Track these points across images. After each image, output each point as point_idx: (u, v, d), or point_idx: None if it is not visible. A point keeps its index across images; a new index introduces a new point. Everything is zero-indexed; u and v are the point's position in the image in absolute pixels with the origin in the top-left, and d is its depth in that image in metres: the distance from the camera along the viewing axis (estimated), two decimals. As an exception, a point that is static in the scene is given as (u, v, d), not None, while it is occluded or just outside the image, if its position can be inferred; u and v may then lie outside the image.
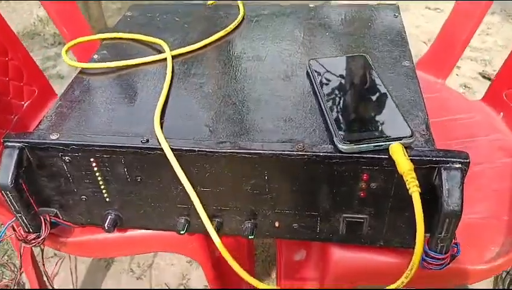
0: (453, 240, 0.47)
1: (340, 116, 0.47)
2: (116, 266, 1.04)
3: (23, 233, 0.53)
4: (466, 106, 0.77)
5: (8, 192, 0.49)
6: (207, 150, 0.46)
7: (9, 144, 0.49)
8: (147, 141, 0.47)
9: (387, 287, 0.44)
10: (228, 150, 0.46)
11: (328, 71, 0.54)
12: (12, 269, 1.05)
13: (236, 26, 0.67)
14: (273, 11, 0.72)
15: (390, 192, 0.46)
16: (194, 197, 0.48)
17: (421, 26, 1.89)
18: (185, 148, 0.47)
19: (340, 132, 0.45)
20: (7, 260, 1.07)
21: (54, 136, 0.48)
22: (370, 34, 0.64)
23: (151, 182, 0.50)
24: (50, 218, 0.55)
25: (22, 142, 0.49)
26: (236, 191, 0.50)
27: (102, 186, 0.52)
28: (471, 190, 0.63)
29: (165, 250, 0.62)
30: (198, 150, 0.46)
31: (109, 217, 0.54)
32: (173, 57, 0.61)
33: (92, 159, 0.49)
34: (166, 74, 0.58)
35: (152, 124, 0.50)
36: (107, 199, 0.53)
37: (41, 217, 0.53)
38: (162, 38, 0.64)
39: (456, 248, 0.48)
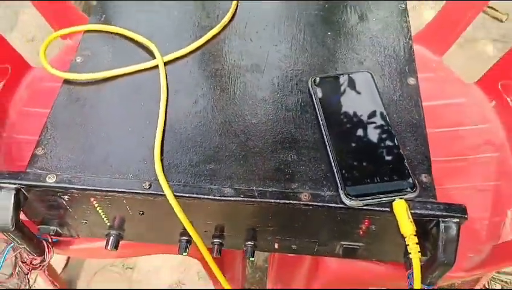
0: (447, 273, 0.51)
1: (345, 166, 0.47)
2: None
3: (28, 259, 0.54)
4: (459, 89, 0.76)
5: (10, 233, 0.48)
6: (210, 197, 0.46)
7: (4, 185, 0.47)
8: (150, 186, 0.46)
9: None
10: (232, 198, 0.46)
11: (331, 98, 0.52)
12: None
13: (230, 19, 0.61)
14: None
15: (388, 231, 0.48)
16: (195, 237, 0.49)
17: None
18: (187, 195, 0.46)
19: (345, 186, 0.45)
20: None
21: (50, 179, 0.47)
22: (373, 35, 0.60)
23: (153, 215, 0.51)
24: (52, 239, 0.55)
25: (18, 184, 0.47)
26: (238, 224, 0.51)
27: (103, 216, 0.52)
28: (456, 190, 0.67)
29: (166, 253, 0.64)
30: (202, 198, 0.46)
31: (111, 238, 0.55)
32: (165, 64, 0.56)
33: (92, 199, 0.48)
34: (159, 86, 0.54)
35: (151, 159, 0.48)
36: (108, 224, 0.53)
37: (44, 242, 0.54)
38: (150, 33, 0.59)
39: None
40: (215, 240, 0.54)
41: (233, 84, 0.55)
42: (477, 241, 0.62)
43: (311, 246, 0.54)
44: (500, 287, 0.99)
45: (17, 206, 0.47)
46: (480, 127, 0.72)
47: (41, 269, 0.55)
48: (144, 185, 0.46)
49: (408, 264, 0.47)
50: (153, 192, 0.46)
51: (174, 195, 0.46)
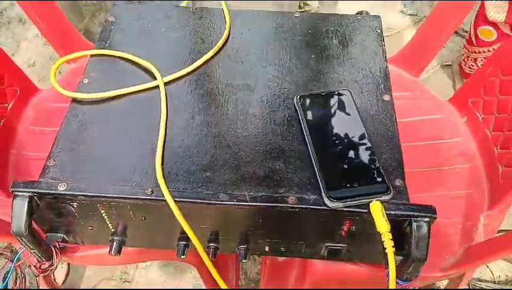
0: (421, 268, 0.56)
1: (327, 170, 0.52)
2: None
3: (37, 264, 0.58)
4: (434, 106, 0.83)
5: (22, 238, 0.53)
6: (206, 202, 0.51)
7: (19, 193, 0.52)
8: (152, 192, 0.52)
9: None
10: (226, 202, 0.51)
11: (314, 113, 0.58)
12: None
13: (224, 43, 0.68)
14: (258, 20, 0.72)
15: (367, 231, 0.53)
16: (193, 239, 0.54)
17: None
18: (185, 200, 0.51)
19: (327, 190, 0.50)
20: None
21: (61, 187, 0.52)
22: (352, 57, 0.66)
23: (154, 221, 0.55)
24: (59, 245, 0.60)
25: (31, 192, 0.52)
26: (232, 228, 0.56)
27: (108, 222, 0.56)
28: (432, 198, 0.72)
29: (167, 259, 0.69)
30: (200, 202, 0.51)
31: (114, 243, 0.59)
32: (165, 84, 0.62)
33: (98, 205, 0.53)
34: (160, 104, 0.60)
35: (153, 169, 0.53)
36: (112, 230, 0.58)
37: (52, 248, 0.58)
38: (150, 57, 0.65)
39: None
40: (210, 244, 0.58)
41: (226, 102, 0.61)
42: (452, 244, 0.67)
43: (299, 248, 0.59)
44: (482, 295, 1.04)
45: (30, 213, 0.52)
46: (454, 141, 0.79)
47: (49, 273, 0.59)
48: (146, 191, 0.52)
49: (387, 264, 0.52)
50: (155, 198, 0.51)
51: (174, 200, 0.51)
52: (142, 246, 0.62)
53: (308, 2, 1.65)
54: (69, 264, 1.05)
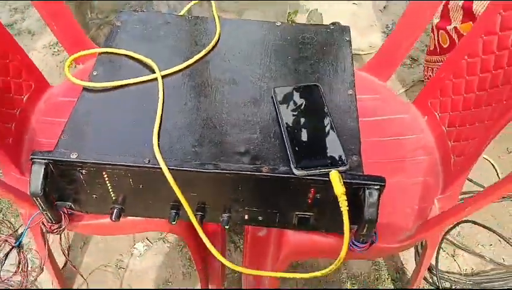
0: (373, 230, 0.66)
1: (296, 146, 0.63)
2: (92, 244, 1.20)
3: (47, 225, 0.68)
4: (400, 107, 0.94)
5: (38, 198, 0.62)
6: (195, 170, 0.61)
7: (37, 160, 0.62)
8: (149, 161, 0.62)
9: (323, 271, 0.62)
10: (211, 170, 0.61)
11: (287, 101, 0.69)
12: (9, 225, 1.19)
13: (214, 45, 0.79)
14: (245, 28, 0.83)
15: (330, 199, 0.63)
16: (184, 203, 0.64)
17: None
18: (177, 168, 0.61)
19: (295, 160, 0.61)
20: (2, 218, 1.20)
21: (73, 156, 0.62)
22: (324, 59, 0.78)
23: (150, 188, 0.65)
24: (67, 211, 0.69)
25: (47, 159, 0.62)
26: (217, 196, 0.66)
27: (110, 190, 0.66)
28: (394, 183, 0.82)
29: (159, 230, 0.78)
30: (188, 170, 0.62)
31: (115, 210, 0.69)
32: (162, 77, 0.73)
33: (104, 173, 0.63)
34: (158, 93, 0.70)
35: (151, 143, 0.64)
36: (113, 198, 0.68)
37: (61, 212, 0.68)
38: (151, 53, 0.76)
39: (374, 237, 0.67)
40: (198, 213, 0.68)
41: (214, 92, 0.72)
42: (409, 221, 0.77)
43: (273, 217, 0.69)
44: (449, 286, 1.13)
45: (46, 177, 0.62)
46: (416, 136, 0.90)
47: (58, 234, 0.68)
48: (144, 160, 0.62)
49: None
50: (151, 165, 0.61)
51: (168, 168, 0.61)
52: (138, 215, 0.72)
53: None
54: (68, 250, 1.14)
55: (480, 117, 0.75)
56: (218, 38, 0.81)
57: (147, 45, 0.79)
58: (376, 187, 0.60)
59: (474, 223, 1.23)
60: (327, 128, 0.66)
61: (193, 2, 0.87)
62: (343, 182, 0.60)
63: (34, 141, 0.84)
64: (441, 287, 1.11)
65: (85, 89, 0.72)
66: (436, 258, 1.14)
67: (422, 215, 0.78)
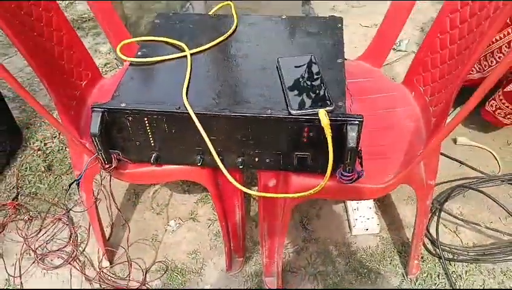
0: (360, 168, 0.81)
1: (293, 94, 0.80)
2: (141, 205, 1.39)
3: (101, 164, 0.87)
4: (391, 87, 1.10)
5: (96, 138, 0.82)
6: (215, 114, 0.80)
7: (96, 109, 0.82)
8: (179, 108, 0.80)
9: (311, 191, 0.77)
10: (228, 114, 0.79)
11: (287, 66, 0.87)
12: (62, 207, 1.39)
13: (231, 33, 0.99)
14: (257, 21, 1.04)
15: (321, 138, 0.79)
16: (208, 142, 0.82)
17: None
18: (201, 112, 0.80)
19: (291, 104, 0.78)
20: (57, 201, 1.40)
21: (123, 104, 0.81)
22: (320, 39, 0.97)
23: (180, 132, 0.84)
24: (117, 156, 0.88)
25: (104, 108, 0.81)
26: (232, 138, 0.83)
27: (150, 136, 0.85)
28: (385, 142, 0.97)
29: (187, 178, 0.96)
30: (210, 114, 0.80)
31: (153, 155, 0.87)
32: (191, 54, 0.93)
33: (145, 119, 0.82)
34: (187, 65, 0.90)
35: (181, 97, 0.82)
36: (152, 144, 0.86)
37: (112, 155, 0.87)
38: (182, 41, 0.97)
39: (361, 172, 0.82)
40: (219, 157, 0.86)
41: (231, 63, 0.91)
42: (394, 167, 0.91)
43: (278, 159, 0.85)
44: (451, 257, 1.22)
45: (102, 122, 0.81)
46: (405, 108, 1.05)
47: (109, 172, 0.87)
48: (176, 107, 0.81)
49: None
50: (181, 111, 0.80)
51: (194, 112, 0.80)
52: (171, 161, 0.90)
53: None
54: (112, 226, 1.32)
55: (450, 79, 0.90)
56: (235, 28, 1.01)
57: (179, 35, 1.00)
58: (355, 122, 0.77)
59: (469, 188, 1.33)
60: (318, 82, 0.83)
61: (220, 4, 1.09)
62: (329, 119, 0.76)
63: (88, 118, 1.05)
64: (443, 258, 1.21)
65: (131, 64, 0.93)
66: (437, 229, 1.25)
67: (407, 163, 0.92)
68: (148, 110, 0.81)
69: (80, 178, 0.87)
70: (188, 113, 0.80)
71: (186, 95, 0.83)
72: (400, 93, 1.09)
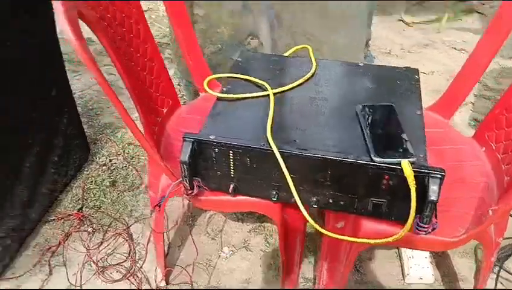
0: (435, 220, 0.83)
1: (374, 142, 0.84)
2: (197, 228, 1.43)
3: (184, 191, 0.92)
4: (461, 140, 1.11)
5: (185, 165, 0.87)
6: (297, 153, 0.84)
7: (188, 139, 0.87)
8: (263, 145, 0.85)
9: (390, 238, 0.79)
10: (309, 154, 0.83)
11: (368, 113, 0.91)
12: (123, 223, 1.45)
13: (311, 76, 1.04)
14: (334, 65, 1.09)
15: (399, 187, 0.82)
16: (289, 181, 0.85)
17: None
18: (285, 152, 0.84)
19: (374, 151, 0.81)
20: (119, 217, 1.46)
21: (211, 137, 0.87)
22: (398, 89, 1.00)
23: (261, 167, 0.88)
24: (198, 183, 0.93)
25: (194, 138, 0.87)
26: (310, 178, 0.87)
27: (231, 167, 0.89)
28: (454, 196, 0.99)
29: (258, 211, 1.00)
30: (292, 153, 0.84)
31: (231, 186, 0.92)
32: (274, 94, 0.98)
33: (230, 151, 0.87)
34: (270, 103, 0.95)
35: (264, 134, 0.87)
36: (232, 175, 0.91)
37: (194, 183, 0.92)
38: (263, 80, 1.02)
39: (436, 223, 0.84)
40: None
41: (312, 105, 0.96)
42: (465, 223, 0.92)
43: (352, 202, 0.88)
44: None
45: (191, 151, 0.87)
46: (475, 163, 1.06)
47: (190, 198, 0.92)
48: (261, 143, 0.85)
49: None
50: (265, 148, 0.85)
51: (279, 151, 0.84)
52: (248, 193, 0.94)
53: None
54: (169, 245, 1.37)
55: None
56: (315, 71, 1.06)
57: (260, 74, 1.06)
58: (438, 176, 0.79)
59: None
60: (399, 131, 0.86)
61: (297, 47, 1.15)
62: (412, 170, 0.79)
63: (167, 141, 1.12)
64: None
65: (218, 98, 0.99)
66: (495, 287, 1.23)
67: (478, 220, 0.92)
68: (235, 145, 0.86)
69: (163, 200, 0.93)
70: (272, 150, 0.84)
71: (271, 133, 0.88)
72: (470, 147, 1.10)
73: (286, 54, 1.16)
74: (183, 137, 0.88)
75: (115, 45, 0.92)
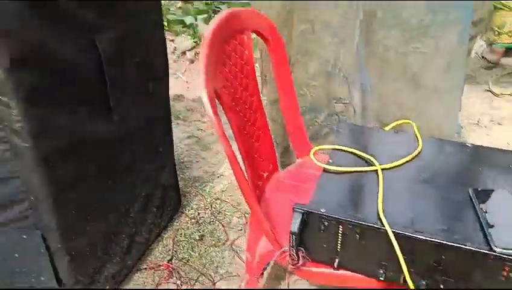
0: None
1: (494, 230, 0.81)
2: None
3: (290, 261, 0.93)
4: None
5: (294, 235, 0.89)
6: (411, 235, 0.83)
7: (298, 209, 0.90)
8: (376, 223, 0.85)
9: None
10: (424, 237, 0.82)
11: (483, 198, 0.89)
12: (210, 278, 1.48)
13: (416, 154, 1.05)
14: (440, 144, 1.09)
15: (520, 281, 0.78)
16: (402, 263, 0.84)
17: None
18: (399, 233, 0.84)
19: (494, 240, 0.79)
20: (205, 271, 1.50)
21: (322, 210, 0.89)
22: (510, 174, 0.98)
23: (370, 245, 0.88)
24: (303, 253, 0.94)
25: (305, 210, 0.90)
26: (422, 260, 0.85)
27: (338, 241, 0.90)
28: None
29: (360, 287, 0.99)
30: (406, 235, 0.83)
31: (337, 260, 0.92)
32: (382, 169, 1.00)
33: (339, 226, 0.88)
34: (376, 179, 0.97)
35: (375, 210, 0.88)
36: (338, 249, 0.91)
37: (299, 253, 0.93)
38: (367, 153, 1.04)
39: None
40: (401, 274, 0.88)
41: (421, 185, 0.96)
42: None
43: (466, 288, 0.84)
44: None
45: (301, 222, 0.89)
46: None
47: (294, 268, 0.93)
48: (373, 222, 0.86)
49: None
50: (378, 226, 0.85)
51: (392, 231, 0.84)
52: (349, 268, 0.94)
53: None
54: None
55: None
56: (421, 149, 1.07)
57: (363, 147, 1.08)
58: None
59: None
60: (517, 221, 0.83)
61: (399, 121, 1.17)
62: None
63: (264, 204, 1.15)
64: None
65: (325, 170, 1.02)
66: None
67: None
68: (345, 220, 0.87)
69: (267, 267, 0.95)
70: (384, 229, 0.84)
71: (383, 211, 0.88)
72: None
73: (387, 129, 1.18)
74: (294, 207, 0.90)
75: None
